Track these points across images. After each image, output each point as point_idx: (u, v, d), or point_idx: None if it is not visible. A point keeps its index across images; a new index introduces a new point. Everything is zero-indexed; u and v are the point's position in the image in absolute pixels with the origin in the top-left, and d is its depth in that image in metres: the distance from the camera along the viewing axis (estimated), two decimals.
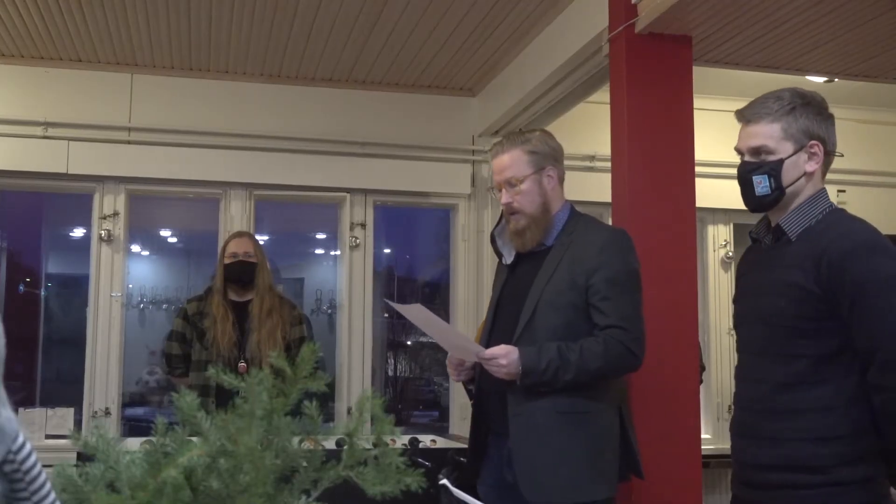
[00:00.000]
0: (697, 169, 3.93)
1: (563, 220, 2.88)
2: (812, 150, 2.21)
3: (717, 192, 5.45)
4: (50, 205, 7.84)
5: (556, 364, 2.62)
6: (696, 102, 3.94)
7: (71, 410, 5.24)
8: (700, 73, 3.99)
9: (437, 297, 7.81)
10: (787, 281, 2.13)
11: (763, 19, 3.71)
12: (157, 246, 9.36)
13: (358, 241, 5.67)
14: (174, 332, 4.81)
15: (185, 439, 0.95)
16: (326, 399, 4.72)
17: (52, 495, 0.83)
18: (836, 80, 4.75)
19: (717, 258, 6.15)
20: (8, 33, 4.83)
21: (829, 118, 2.25)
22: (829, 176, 2.32)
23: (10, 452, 0.80)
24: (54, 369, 8.06)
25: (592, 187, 5.13)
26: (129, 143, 5.33)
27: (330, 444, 1.08)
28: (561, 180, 2.93)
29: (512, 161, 2.85)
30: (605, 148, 4.16)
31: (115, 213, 5.34)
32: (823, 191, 2.24)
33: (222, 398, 4.62)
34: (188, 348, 4.79)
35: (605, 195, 4.02)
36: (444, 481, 1.89)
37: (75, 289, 7.34)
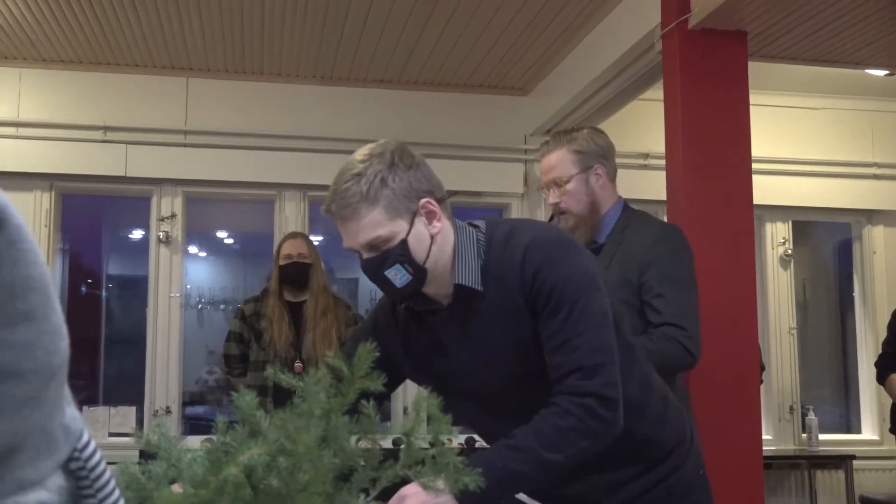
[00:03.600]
0: (754, 166, 3.88)
1: (615, 217, 2.85)
2: (428, 209, 1.83)
3: (775, 188, 5.37)
4: (110, 207, 7.99)
5: None
6: (752, 98, 3.88)
7: (133, 409, 5.33)
8: (756, 69, 3.93)
9: None
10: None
11: (820, 13, 3.64)
12: (213, 247, 9.50)
13: None
14: (232, 333, 4.87)
15: (246, 438, 0.96)
16: (383, 398, 4.74)
17: (117, 493, 0.84)
18: None
19: (775, 256, 6.05)
20: (67, 40, 4.94)
21: (419, 161, 1.86)
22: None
23: (75, 450, 0.81)
24: (116, 368, 8.20)
25: (646, 185, 5.09)
26: (185, 146, 5.41)
27: (387, 443, 1.08)
28: (612, 178, 2.89)
29: (558, 161, 2.83)
30: (658, 146, 4.12)
31: (173, 215, 5.42)
32: (457, 240, 1.88)
33: (280, 398, 4.65)
34: (246, 349, 4.85)
35: (660, 193, 3.98)
36: None
37: (135, 289, 7.46)
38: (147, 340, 5.39)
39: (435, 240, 1.81)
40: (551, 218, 2.97)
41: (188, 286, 9.61)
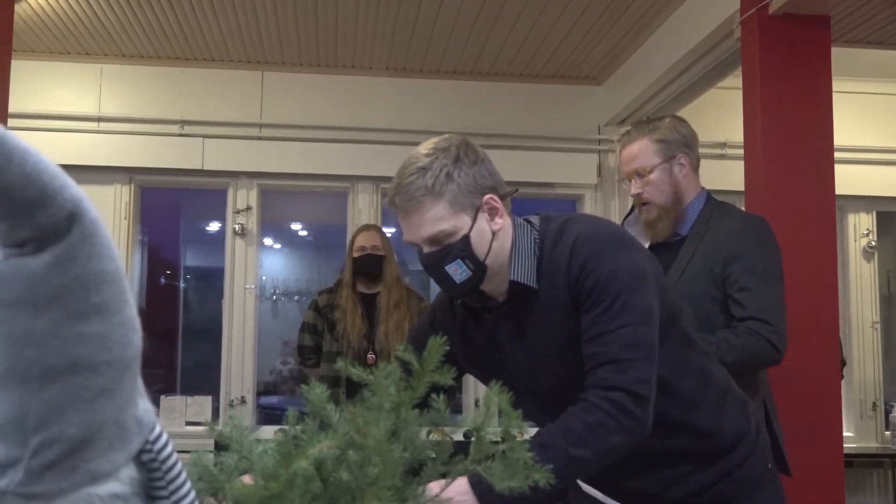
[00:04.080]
0: (837, 154, 3.76)
1: (698, 208, 2.79)
2: (491, 206, 1.80)
3: (859, 178, 5.21)
4: (188, 199, 8.14)
5: None
6: (835, 85, 3.76)
7: (209, 399, 5.43)
8: (838, 54, 3.81)
9: None
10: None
11: None
12: (288, 239, 9.61)
13: None
14: (306, 324, 4.92)
15: (316, 431, 0.96)
16: (454, 391, 4.73)
17: (188, 485, 0.85)
18: None
19: (858, 248, 5.88)
20: (146, 36, 5.03)
21: (484, 157, 1.83)
22: None
23: (147, 443, 0.81)
24: (194, 358, 8.37)
25: (724, 176, 4.97)
26: (260, 139, 5.48)
27: (458, 436, 1.07)
28: (695, 168, 2.83)
29: (640, 150, 2.77)
30: (737, 135, 4.03)
31: (248, 208, 5.49)
32: (515, 236, 1.86)
33: (353, 389, 4.71)
34: (320, 340, 4.89)
35: (738, 184, 3.89)
36: None
37: (212, 281, 7.60)
38: (223, 331, 5.48)
39: (496, 236, 1.79)
40: (632, 209, 2.92)
41: (263, 278, 9.78)
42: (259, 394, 8.21)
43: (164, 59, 5.40)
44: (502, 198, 1.80)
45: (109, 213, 5.35)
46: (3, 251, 0.75)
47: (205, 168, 5.36)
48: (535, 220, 1.86)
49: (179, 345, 8.45)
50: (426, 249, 1.79)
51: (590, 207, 5.79)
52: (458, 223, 1.75)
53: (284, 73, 5.54)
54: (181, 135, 5.38)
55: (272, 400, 8.20)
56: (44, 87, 5.32)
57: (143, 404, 0.84)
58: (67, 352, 0.75)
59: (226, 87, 5.48)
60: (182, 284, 8.99)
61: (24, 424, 0.75)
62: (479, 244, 1.77)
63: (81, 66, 5.35)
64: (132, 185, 5.42)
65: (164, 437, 0.84)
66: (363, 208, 5.58)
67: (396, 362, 1.05)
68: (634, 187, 2.77)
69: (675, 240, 2.77)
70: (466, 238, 1.76)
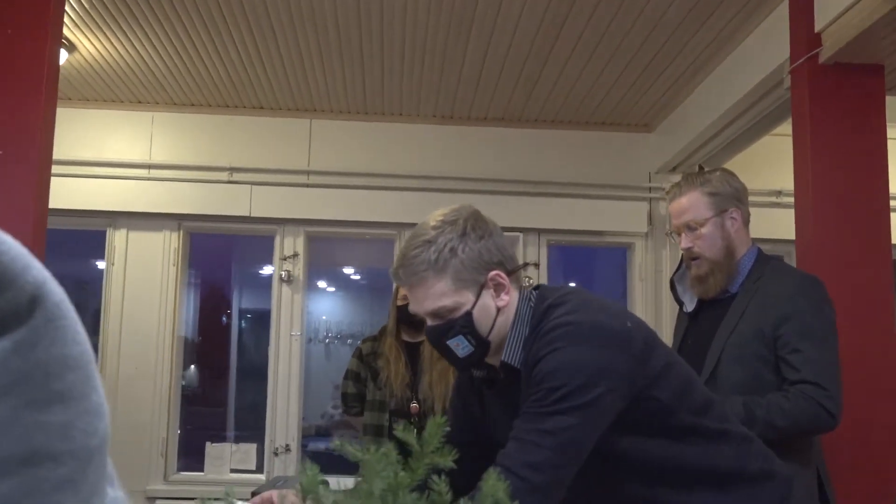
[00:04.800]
0: (893, 203, 3.64)
1: (748, 264, 2.69)
2: (496, 282, 1.77)
3: None
4: (240, 243, 8.21)
5: (741, 419, 2.43)
6: (890, 132, 3.65)
7: (253, 446, 5.42)
8: (892, 102, 3.70)
9: None
10: None
11: None
12: (341, 282, 9.64)
13: (531, 281, 5.60)
14: (349, 371, 4.88)
15: None
16: (482, 460, 4.65)
17: None
18: None
19: None
20: (195, 84, 5.10)
21: (492, 231, 1.80)
22: None
23: None
24: (248, 400, 8.40)
25: (779, 224, 4.85)
26: (307, 186, 5.50)
27: None
28: (746, 222, 2.74)
29: (691, 203, 2.70)
30: (792, 183, 3.92)
31: (295, 254, 5.50)
32: (517, 313, 1.81)
33: (397, 439, 4.64)
34: (363, 388, 4.85)
35: (792, 232, 3.78)
36: None
37: (265, 323, 7.67)
38: (268, 378, 5.47)
39: (501, 312, 1.76)
40: (680, 264, 2.84)
41: (324, 317, 9.80)
42: (310, 437, 8.20)
43: (213, 107, 5.47)
44: (510, 273, 1.77)
45: (158, 258, 5.40)
46: None
47: (252, 215, 5.39)
48: (535, 295, 1.81)
49: (231, 387, 8.48)
50: (429, 322, 1.77)
51: (640, 256, 5.69)
52: (461, 299, 1.73)
53: (332, 120, 5.56)
54: (229, 182, 5.42)
55: (322, 444, 8.17)
56: (97, 134, 5.41)
57: (113, 493, 0.79)
58: (26, 441, 0.71)
59: (274, 135, 5.52)
60: (235, 327, 9.04)
61: None
62: (483, 320, 1.75)
63: (133, 114, 5.44)
64: (181, 232, 5.46)
65: None
66: None
67: (440, 414, 1.02)
68: (685, 241, 2.69)
69: (724, 296, 2.68)
70: (469, 314, 1.74)
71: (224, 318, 8.94)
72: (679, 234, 2.72)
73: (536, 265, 5.63)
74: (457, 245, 1.72)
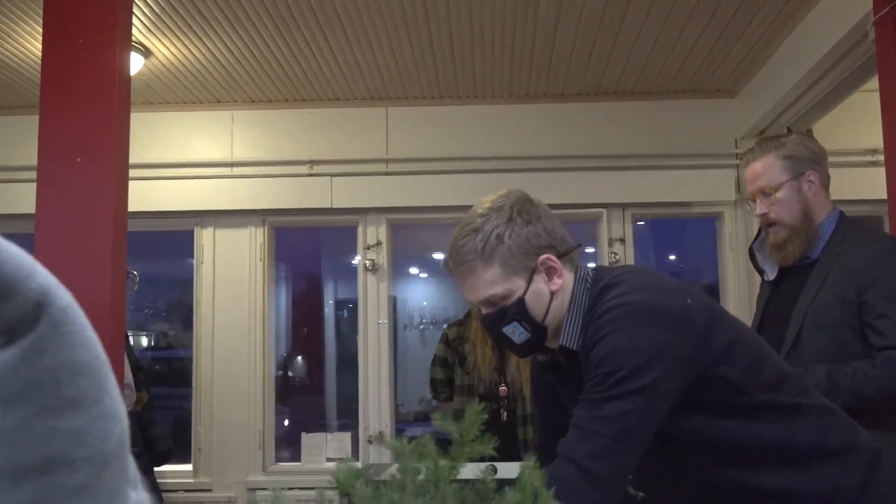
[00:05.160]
0: None
1: (829, 229, 2.59)
2: (547, 266, 1.74)
3: None
4: (328, 235, 8.30)
5: (824, 389, 2.34)
6: None
7: (348, 435, 5.48)
8: None
9: None
10: None
11: None
12: (433, 268, 9.68)
13: (617, 256, 5.50)
14: (437, 357, 4.89)
15: None
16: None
17: None
18: None
19: None
20: (272, 81, 5.15)
21: (540, 214, 1.76)
22: None
23: None
24: (346, 389, 8.54)
25: (875, 184, 4.64)
26: (387, 174, 5.51)
27: None
28: (825, 185, 2.63)
29: (765, 168, 2.61)
30: None
31: (378, 243, 5.52)
32: (572, 295, 1.77)
33: (488, 424, 4.64)
34: (451, 373, 4.85)
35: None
36: None
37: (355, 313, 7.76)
38: (359, 367, 5.51)
39: (555, 296, 1.74)
40: (758, 233, 2.75)
41: (416, 305, 9.86)
42: (407, 423, 8.26)
43: (290, 102, 5.52)
44: (562, 255, 1.74)
45: (244, 254, 5.49)
46: None
47: (334, 206, 5.43)
48: (591, 276, 1.77)
49: (330, 376, 8.62)
50: (484, 311, 1.76)
51: (730, 225, 5.53)
52: (512, 286, 1.72)
53: (408, 107, 5.56)
54: (310, 174, 5.47)
55: (420, 430, 8.22)
56: (180, 136, 5.53)
57: (136, 496, 0.79)
58: (40, 449, 0.71)
59: (351, 125, 5.55)
60: (330, 317, 9.17)
61: None
62: (536, 306, 1.73)
63: (213, 114, 5.53)
64: (265, 227, 5.54)
65: None
66: None
67: (530, 397, 1.02)
68: (760, 207, 2.60)
69: (805, 263, 2.58)
70: (521, 300, 1.72)
71: (318, 309, 9.07)
72: (754, 201, 2.64)
73: (622, 241, 5.53)
74: (503, 231, 1.71)
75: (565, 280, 1.75)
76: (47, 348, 0.70)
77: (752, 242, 2.79)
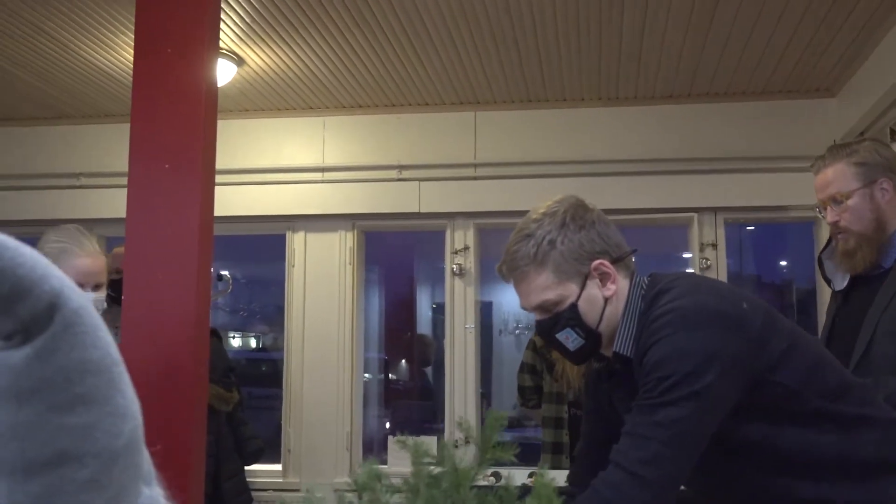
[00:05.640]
0: None
1: None
2: (601, 271, 1.72)
3: None
4: (420, 239, 8.37)
5: (893, 402, 2.25)
6: None
7: (434, 439, 5.49)
8: None
9: (807, 316, 7.22)
10: None
11: None
12: None
13: (709, 262, 5.38)
14: (524, 364, 4.87)
15: None
16: None
17: None
18: None
19: None
20: (361, 87, 5.22)
21: (594, 220, 1.74)
22: None
23: None
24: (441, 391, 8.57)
25: None
26: (475, 178, 5.52)
27: None
28: None
29: (836, 175, 2.54)
30: None
31: (466, 248, 5.53)
32: (627, 301, 1.76)
33: (575, 431, 4.59)
34: (539, 380, 4.82)
35: None
36: None
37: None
38: (445, 371, 5.53)
39: (609, 302, 1.72)
40: (829, 242, 2.67)
41: (511, 310, 9.84)
42: (503, 429, 8.24)
43: (380, 107, 5.59)
44: (616, 261, 1.72)
45: (335, 259, 5.57)
46: None
47: (421, 210, 5.47)
48: (647, 282, 1.75)
49: (421, 379, 8.66)
50: (537, 317, 1.76)
51: (828, 229, 5.34)
52: (565, 292, 1.71)
53: (496, 111, 5.55)
54: (399, 179, 5.52)
55: (510, 435, 8.19)
56: (273, 142, 5.65)
57: (149, 492, 0.81)
58: (51, 444, 0.74)
59: (439, 130, 5.58)
60: (425, 320, 9.23)
61: None
62: (590, 312, 1.71)
63: (305, 120, 5.64)
64: (355, 231, 5.62)
65: None
66: None
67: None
68: (831, 215, 2.53)
69: (877, 272, 2.50)
70: (574, 306, 1.71)
71: (411, 313, 9.14)
72: (825, 209, 2.57)
73: (714, 246, 5.40)
74: (556, 237, 1.70)
75: (620, 286, 1.73)
76: (59, 347, 0.73)
77: (822, 251, 2.72)
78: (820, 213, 2.67)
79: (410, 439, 0.95)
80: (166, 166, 3.12)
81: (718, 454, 1.62)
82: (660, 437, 1.52)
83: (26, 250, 0.73)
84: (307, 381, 5.49)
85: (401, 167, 5.53)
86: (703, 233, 5.41)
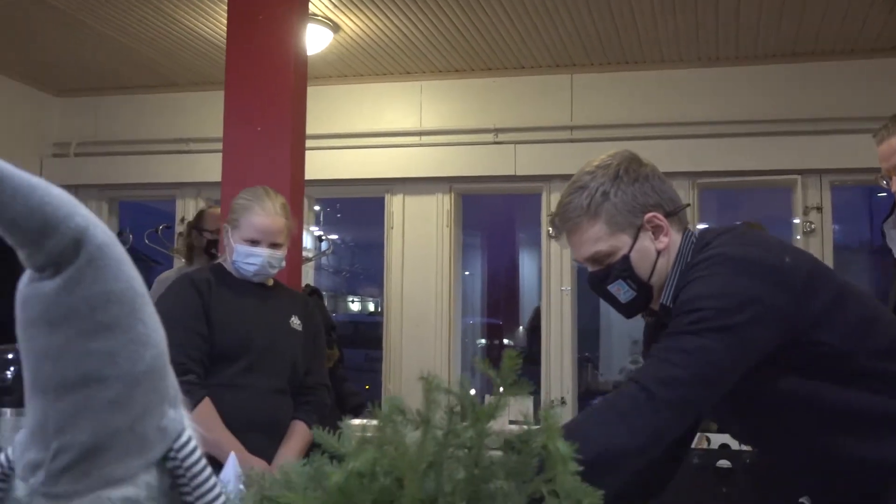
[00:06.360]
0: None
1: None
2: (654, 224, 1.70)
3: None
4: (520, 203, 8.38)
5: None
6: None
7: (531, 399, 5.55)
8: None
9: None
10: None
11: None
12: None
13: (813, 225, 5.24)
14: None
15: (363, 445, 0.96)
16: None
17: (216, 490, 0.88)
18: None
19: None
20: (456, 51, 5.26)
21: (648, 174, 1.72)
22: None
23: (171, 450, 0.86)
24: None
25: None
26: (571, 141, 5.50)
27: None
28: None
29: None
30: None
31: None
32: (678, 254, 1.72)
33: None
34: None
35: None
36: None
37: None
38: (542, 333, 5.57)
39: (661, 254, 1.71)
40: (892, 210, 2.58)
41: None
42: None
43: (476, 71, 5.62)
44: (669, 215, 1.72)
45: (432, 221, 5.65)
46: (29, 276, 0.84)
47: (517, 174, 5.49)
48: (699, 234, 1.75)
49: (531, 342, 8.72)
50: (590, 269, 1.76)
51: None
52: (617, 243, 1.71)
53: (592, 73, 5.51)
54: (495, 142, 5.55)
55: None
56: (371, 107, 5.76)
57: (173, 413, 0.89)
58: (78, 366, 0.82)
59: (535, 93, 5.58)
60: (525, 284, 9.26)
61: (45, 430, 0.83)
62: (642, 264, 1.71)
63: (403, 84, 5.72)
64: (452, 194, 5.68)
65: (191, 444, 0.88)
66: None
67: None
68: (895, 185, 2.45)
69: None
70: (626, 258, 1.71)
71: (513, 278, 9.19)
72: (890, 178, 2.49)
73: (819, 209, 5.25)
74: (609, 188, 1.71)
75: (672, 239, 1.72)
76: (84, 279, 0.81)
77: (884, 220, 2.63)
78: (883, 182, 2.59)
79: (432, 374, 1.00)
80: (258, 129, 3.25)
81: (766, 411, 1.62)
82: (680, 361, 1.52)
83: (55, 191, 0.81)
84: (406, 341, 5.62)
85: (497, 130, 5.55)
86: (808, 196, 5.27)
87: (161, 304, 2.52)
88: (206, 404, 2.55)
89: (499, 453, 0.99)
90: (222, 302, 2.69)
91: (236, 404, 2.60)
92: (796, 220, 5.47)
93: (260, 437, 2.64)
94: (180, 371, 2.53)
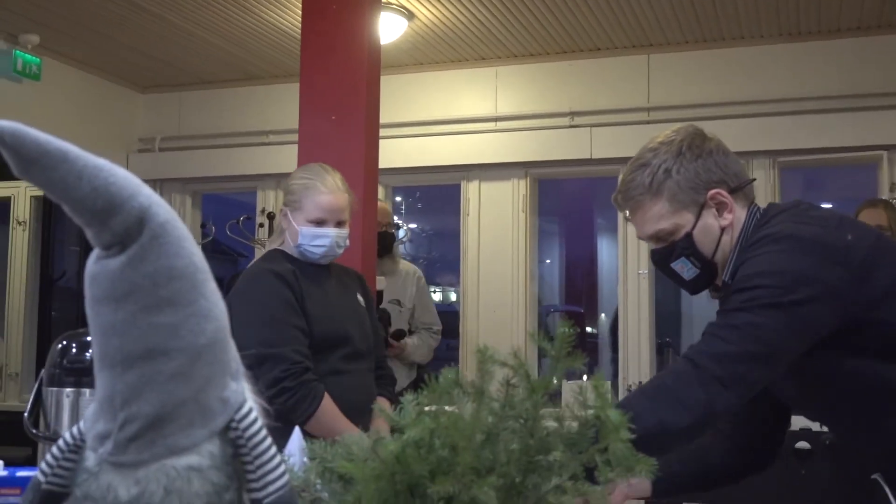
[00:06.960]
0: None
1: None
2: (717, 201, 1.66)
3: None
4: (598, 187, 8.32)
5: None
6: None
7: (608, 383, 5.52)
8: None
9: None
10: None
11: None
12: None
13: None
14: None
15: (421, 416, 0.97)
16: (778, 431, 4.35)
17: (276, 459, 0.91)
18: None
19: None
20: (531, 35, 5.24)
21: (712, 149, 1.67)
22: None
23: (233, 421, 0.89)
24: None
25: None
26: (648, 122, 5.43)
27: None
28: None
29: None
30: None
31: None
32: (741, 231, 1.69)
33: None
34: None
35: None
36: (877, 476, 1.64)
37: None
38: (619, 317, 5.53)
39: (726, 231, 1.69)
40: None
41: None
42: None
43: (551, 55, 5.58)
44: (734, 191, 1.69)
45: (507, 206, 5.65)
46: (96, 254, 0.88)
47: (593, 157, 5.45)
48: (763, 210, 1.72)
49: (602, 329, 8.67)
50: (652, 246, 1.75)
51: None
52: (680, 220, 1.69)
53: (670, 53, 5.43)
54: (571, 126, 5.52)
55: None
56: (447, 94, 5.77)
57: (234, 385, 0.92)
58: (143, 340, 0.86)
59: (612, 75, 5.52)
60: (603, 269, 9.20)
61: (113, 402, 0.88)
62: (705, 241, 1.69)
63: (478, 70, 5.72)
64: (528, 179, 5.67)
65: (252, 415, 0.91)
66: (758, 185, 5.28)
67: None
68: None
69: None
70: (689, 236, 1.69)
71: (592, 262, 9.13)
72: None
73: None
74: (671, 165, 1.68)
75: (737, 216, 1.69)
76: (147, 256, 0.85)
77: None
78: None
79: (492, 349, 1.01)
80: (333, 118, 3.30)
81: (833, 393, 1.59)
82: (732, 338, 1.50)
83: (119, 171, 0.85)
84: (483, 328, 5.63)
85: (573, 114, 5.52)
86: (894, 172, 5.10)
87: (251, 302, 2.56)
88: (328, 400, 2.54)
89: (554, 424, 1.00)
90: (310, 292, 2.65)
91: (341, 392, 2.60)
92: (883, 198, 5.30)
93: (360, 418, 2.64)
94: (300, 370, 2.57)
